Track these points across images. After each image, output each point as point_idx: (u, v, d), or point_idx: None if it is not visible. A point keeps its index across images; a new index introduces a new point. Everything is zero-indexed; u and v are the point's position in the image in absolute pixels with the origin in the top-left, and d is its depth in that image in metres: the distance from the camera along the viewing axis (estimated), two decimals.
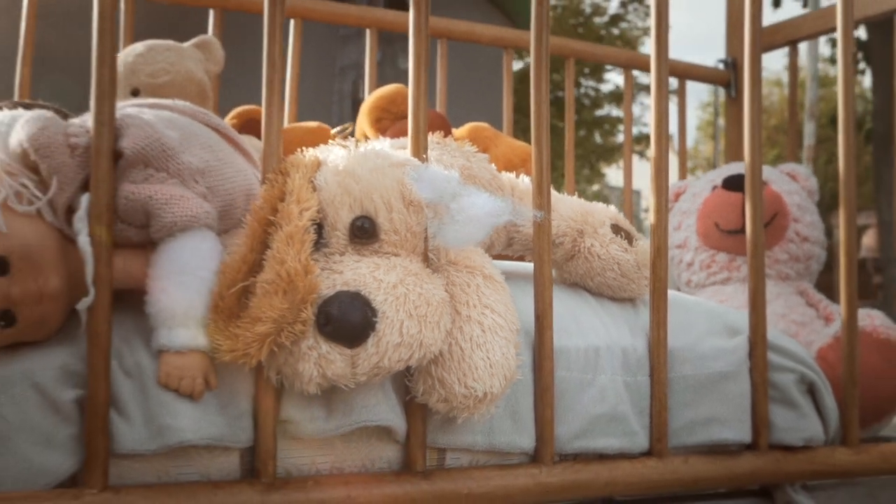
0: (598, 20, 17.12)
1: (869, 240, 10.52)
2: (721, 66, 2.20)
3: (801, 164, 2.05)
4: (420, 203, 0.91)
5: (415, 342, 0.86)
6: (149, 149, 0.86)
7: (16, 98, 1.64)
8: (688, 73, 2.14)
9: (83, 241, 0.83)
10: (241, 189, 0.95)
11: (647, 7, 18.25)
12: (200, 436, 0.87)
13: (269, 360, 0.86)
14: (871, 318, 1.56)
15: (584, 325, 1.11)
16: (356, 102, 2.74)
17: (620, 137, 17.19)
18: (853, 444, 1.23)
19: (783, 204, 1.80)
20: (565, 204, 1.17)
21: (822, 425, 1.21)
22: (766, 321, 1.18)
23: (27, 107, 1.00)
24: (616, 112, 18.14)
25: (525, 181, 1.19)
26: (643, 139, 14.95)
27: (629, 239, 1.16)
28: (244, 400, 0.90)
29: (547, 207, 1.01)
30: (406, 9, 2.79)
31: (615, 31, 17.41)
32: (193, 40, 1.59)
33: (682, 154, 2.16)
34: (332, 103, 2.55)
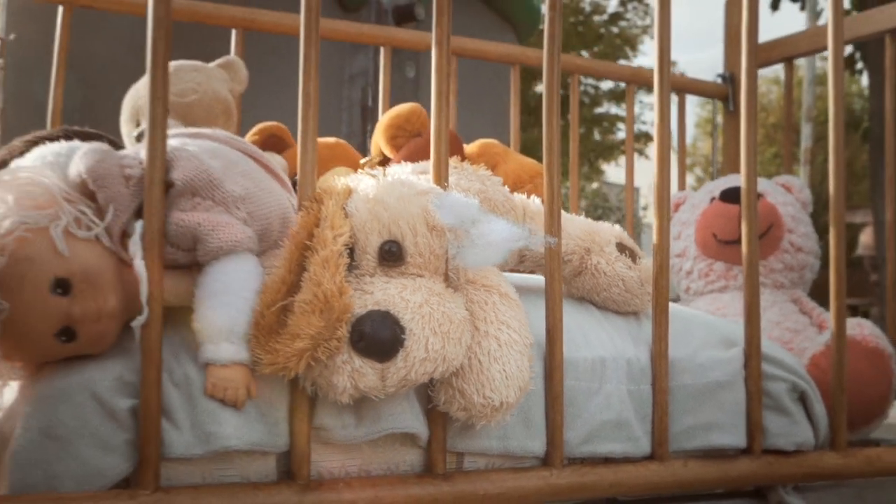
0: (597, 18, 17.20)
1: (867, 238, 10.59)
2: (719, 80, 2.28)
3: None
4: (442, 228, 0.99)
5: (439, 357, 0.94)
6: (197, 180, 0.94)
7: (49, 110, 1.72)
8: (687, 87, 2.22)
9: (139, 264, 0.91)
10: (277, 213, 1.03)
11: (647, 6, 18.31)
12: (243, 441, 0.95)
13: (305, 373, 0.94)
14: (860, 328, 1.64)
15: (590, 338, 1.20)
16: (364, 110, 2.81)
17: (619, 135, 17.26)
18: (841, 449, 1.32)
19: (778, 215, 1.88)
20: (574, 224, 1.25)
21: (812, 431, 1.30)
22: (761, 333, 1.27)
23: (82, 136, 1.09)
24: (615, 110, 18.19)
25: (535, 202, 1.28)
26: (641, 136, 15.02)
27: (633, 257, 1.25)
28: (281, 408, 0.98)
29: (558, 232, 1.09)
30: (411, 20, 2.84)
31: (614, 30, 17.48)
32: (218, 61, 1.66)
33: (682, 166, 2.23)
34: (341, 111, 2.63)
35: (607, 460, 1.18)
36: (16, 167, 0.98)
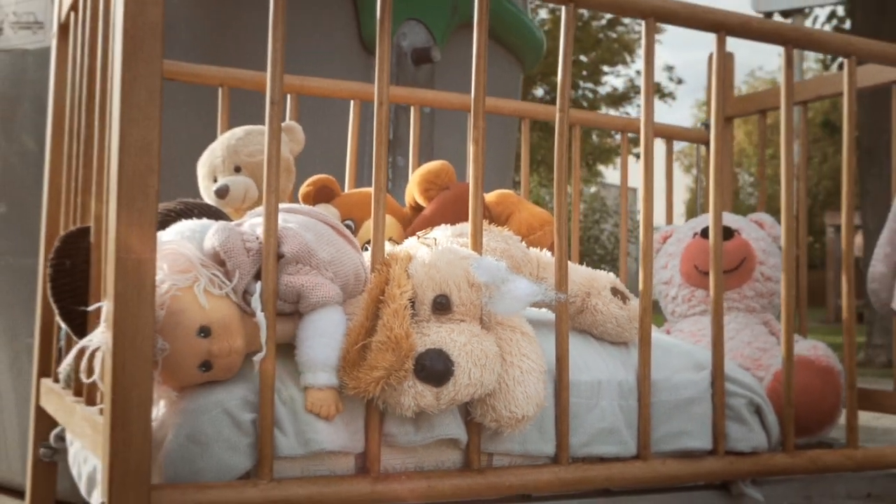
0: (595, 24, 17.49)
1: (861, 240, 10.90)
2: (703, 127, 2.61)
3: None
4: (479, 285, 1.32)
5: (478, 383, 1.28)
6: (300, 252, 1.27)
7: None
8: (673, 134, 2.55)
9: (260, 316, 1.24)
10: (352, 271, 1.36)
11: None
12: (333, 445, 1.28)
13: (379, 394, 1.27)
14: (815, 349, 1.96)
15: (590, 364, 1.53)
16: (387, 140, 3.12)
17: (617, 138, 17.57)
18: (789, 451, 1.65)
19: (751, 250, 2.20)
20: (577, 272, 1.59)
21: (765, 436, 1.63)
22: (724, 360, 1.60)
23: (197, 207, 1.42)
24: (613, 113, 18.48)
25: (547, 255, 1.61)
26: (636, 139, 15.33)
27: (624, 299, 1.58)
28: (360, 420, 1.31)
29: (565, 285, 1.43)
30: (428, 61, 3.14)
31: (612, 35, 17.79)
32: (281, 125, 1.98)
33: (669, 203, 2.56)
34: (365, 143, 2.93)
35: (603, 459, 1.51)
36: (161, 241, 1.31)
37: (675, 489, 1.59)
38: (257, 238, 1.28)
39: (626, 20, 17.93)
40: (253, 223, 1.33)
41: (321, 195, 2.00)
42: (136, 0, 1.16)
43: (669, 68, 19.41)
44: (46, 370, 1.85)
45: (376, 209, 1.34)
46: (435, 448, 1.38)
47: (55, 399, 1.66)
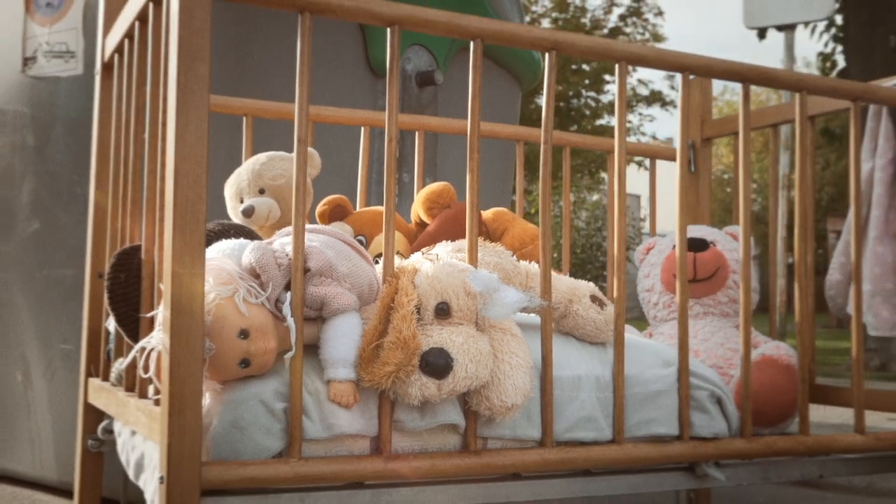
0: (597, 33, 17.72)
1: None
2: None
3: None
4: (475, 293, 1.56)
5: (474, 376, 1.51)
6: (323, 267, 1.51)
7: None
8: (657, 153, 2.78)
9: (290, 320, 1.47)
10: (366, 282, 1.60)
11: (646, 21, 18.82)
12: (352, 429, 1.52)
13: (390, 386, 1.50)
14: (778, 349, 2.18)
15: (571, 361, 1.77)
16: (395, 172, 3.36)
17: None
18: (747, 437, 1.88)
19: (725, 260, 2.42)
20: (560, 281, 1.82)
21: (726, 424, 1.86)
22: (689, 357, 1.83)
23: (233, 227, 1.66)
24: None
25: (535, 266, 1.84)
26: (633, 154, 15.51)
27: (602, 305, 1.81)
28: (374, 408, 1.55)
29: (549, 294, 1.66)
30: (431, 84, 3.36)
31: None
32: None
33: (653, 217, 2.79)
34: (372, 162, 3.16)
35: (583, 443, 1.74)
36: (206, 258, 1.54)
37: (647, 470, 1.82)
38: (287, 255, 1.52)
39: (629, 30, 18.21)
40: (282, 241, 1.57)
41: (336, 213, 2.24)
42: (188, 55, 1.40)
43: (670, 76, 19.62)
44: (95, 370, 2.08)
45: (387, 231, 1.58)
46: (437, 432, 1.61)
47: (105, 395, 1.89)
